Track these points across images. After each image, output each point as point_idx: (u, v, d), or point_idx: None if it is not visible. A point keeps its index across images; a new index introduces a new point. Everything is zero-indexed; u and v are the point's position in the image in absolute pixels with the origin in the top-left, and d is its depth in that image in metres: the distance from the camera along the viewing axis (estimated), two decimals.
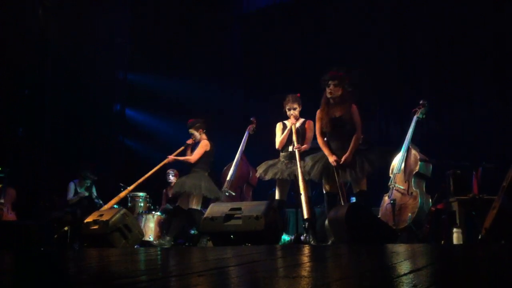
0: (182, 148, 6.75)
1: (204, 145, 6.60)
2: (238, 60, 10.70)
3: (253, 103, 9.75)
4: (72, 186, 8.33)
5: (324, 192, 5.57)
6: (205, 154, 6.60)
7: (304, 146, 5.90)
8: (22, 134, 10.39)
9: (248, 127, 7.65)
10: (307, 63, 9.37)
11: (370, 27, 9.09)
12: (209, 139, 6.75)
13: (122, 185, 7.58)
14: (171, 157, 6.67)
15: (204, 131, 6.74)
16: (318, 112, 5.58)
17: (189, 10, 10.64)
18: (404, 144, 6.32)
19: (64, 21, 9.61)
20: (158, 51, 10.76)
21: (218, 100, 10.16)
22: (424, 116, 6.53)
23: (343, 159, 5.27)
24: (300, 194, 5.42)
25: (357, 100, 5.53)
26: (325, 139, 5.53)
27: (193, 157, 6.54)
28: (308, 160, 5.60)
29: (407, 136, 6.37)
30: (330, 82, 5.41)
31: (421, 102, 6.57)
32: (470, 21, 8.06)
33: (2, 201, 8.29)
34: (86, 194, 8.21)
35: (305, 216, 5.23)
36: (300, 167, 5.56)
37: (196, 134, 6.67)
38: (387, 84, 8.65)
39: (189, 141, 6.71)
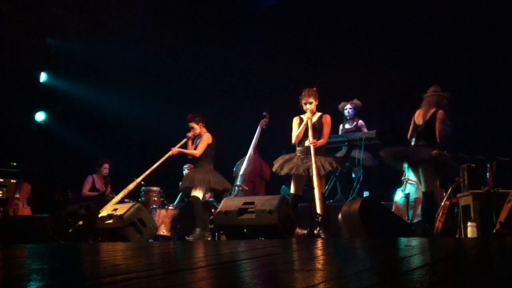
0: (184, 140, 6.80)
1: (206, 138, 6.71)
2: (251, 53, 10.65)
3: (265, 97, 9.66)
4: (90, 180, 8.32)
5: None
6: (208, 147, 6.70)
7: (321, 141, 5.81)
8: (37, 130, 10.50)
9: (261, 122, 7.65)
10: (323, 58, 9.32)
11: (385, 20, 9.02)
12: (208, 132, 6.81)
13: (135, 179, 7.55)
14: (175, 150, 6.72)
15: (204, 125, 6.82)
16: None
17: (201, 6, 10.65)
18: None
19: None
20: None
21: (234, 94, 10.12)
22: None
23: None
24: (314, 188, 5.40)
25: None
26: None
27: (199, 151, 6.64)
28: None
29: None
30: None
31: None
32: (492, 12, 7.97)
33: (18, 196, 8.38)
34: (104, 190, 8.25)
35: (318, 211, 5.21)
36: (315, 162, 5.52)
37: (197, 127, 6.78)
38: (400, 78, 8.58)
39: (190, 134, 6.78)
